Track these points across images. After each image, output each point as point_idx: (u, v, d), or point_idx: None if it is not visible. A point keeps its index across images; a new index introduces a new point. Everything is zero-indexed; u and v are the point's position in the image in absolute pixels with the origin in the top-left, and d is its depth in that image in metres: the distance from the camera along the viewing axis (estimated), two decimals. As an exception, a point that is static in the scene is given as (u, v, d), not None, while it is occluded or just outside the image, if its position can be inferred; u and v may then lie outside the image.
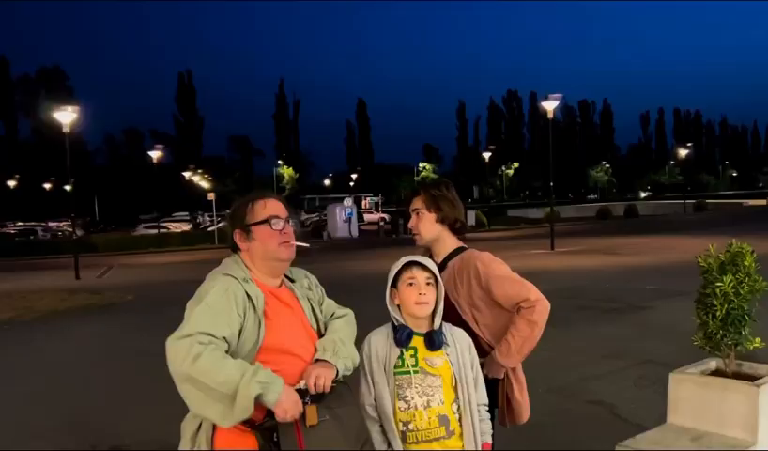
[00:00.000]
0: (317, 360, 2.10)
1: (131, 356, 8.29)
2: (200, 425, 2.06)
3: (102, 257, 28.29)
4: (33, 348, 9.35)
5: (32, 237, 40.45)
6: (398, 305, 2.31)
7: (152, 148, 42.99)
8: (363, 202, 62.95)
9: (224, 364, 1.90)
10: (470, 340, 2.39)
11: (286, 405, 1.92)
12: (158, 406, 5.85)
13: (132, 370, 7.50)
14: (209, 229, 37.63)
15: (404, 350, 2.26)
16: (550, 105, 22.88)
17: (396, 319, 2.31)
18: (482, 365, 2.49)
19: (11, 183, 61.88)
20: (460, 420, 2.27)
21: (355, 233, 36.96)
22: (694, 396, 3.33)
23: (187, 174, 62.58)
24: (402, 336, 2.26)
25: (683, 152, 65.14)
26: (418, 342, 2.27)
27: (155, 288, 16.09)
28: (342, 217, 37.33)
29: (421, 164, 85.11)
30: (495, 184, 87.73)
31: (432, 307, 2.28)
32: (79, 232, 36.94)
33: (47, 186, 63.60)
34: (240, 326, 2.02)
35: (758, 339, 3.29)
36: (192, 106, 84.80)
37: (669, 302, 10.25)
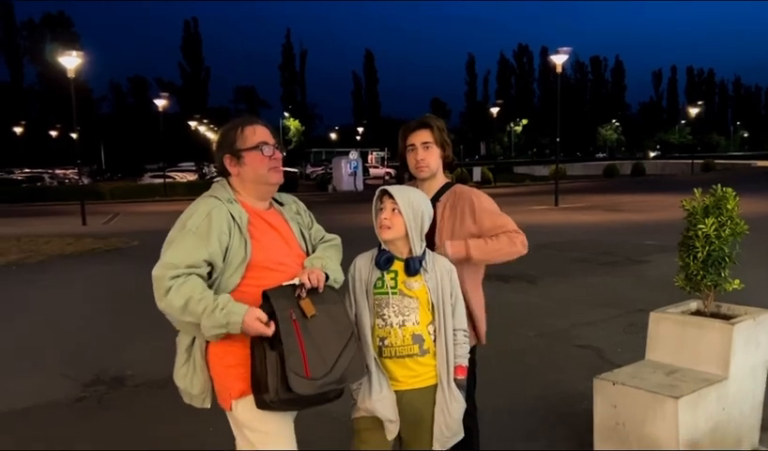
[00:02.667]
0: None
1: (134, 297, 8.45)
2: (194, 339, 2.20)
3: (109, 205, 28.48)
4: (38, 287, 9.55)
5: (39, 184, 40.64)
6: None
7: (158, 97, 42.71)
8: (370, 156, 62.65)
9: (188, 299, 2.03)
10: (453, 269, 2.49)
11: (251, 328, 2.04)
12: (159, 340, 6.04)
13: (134, 309, 7.68)
14: (216, 180, 37.64)
15: (385, 273, 2.39)
16: (559, 59, 22.57)
17: (382, 244, 2.44)
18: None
19: (17, 130, 61.80)
20: (435, 341, 2.40)
21: (360, 187, 36.93)
22: (672, 334, 3.44)
23: (193, 124, 62.35)
24: (380, 260, 2.39)
25: (693, 111, 64.29)
26: (399, 266, 2.40)
27: (160, 235, 16.03)
28: (347, 171, 37.26)
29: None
30: (502, 141, 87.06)
31: (396, 233, 2.38)
32: (85, 180, 37.19)
33: (53, 133, 63.57)
34: (227, 244, 2.13)
35: (737, 281, 3.38)
36: (198, 55, 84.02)
37: (667, 256, 10.26)
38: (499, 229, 2.74)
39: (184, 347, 2.23)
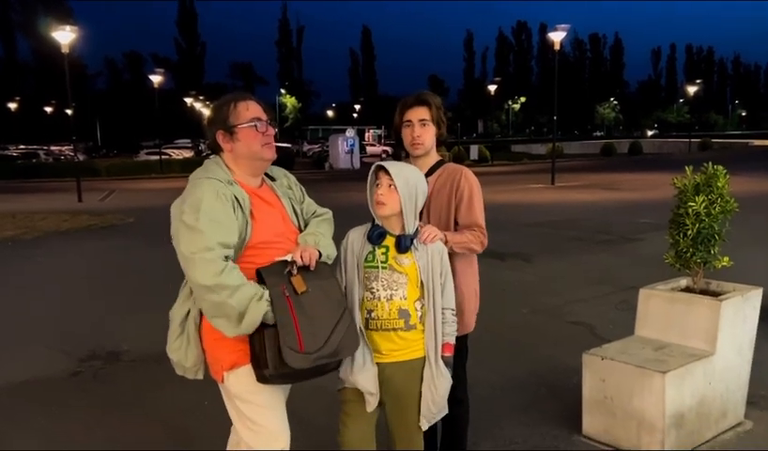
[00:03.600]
0: None
1: (129, 273, 8.51)
2: (188, 311, 2.22)
3: (104, 182, 28.40)
4: (34, 263, 9.57)
5: (34, 160, 40.43)
6: None
7: (153, 73, 42.37)
8: (367, 134, 62.39)
9: (240, 284, 2.05)
10: (444, 249, 2.52)
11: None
12: (154, 315, 6.06)
13: (130, 285, 7.72)
14: (212, 157, 37.48)
15: (377, 248, 2.43)
16: (558, 36, 22.40)
17: (376, 220, 2.48)
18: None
19: (12, 106, 61.32)
20: (423, 318, 2.44)
21: (357, 165, 36.80)
22: (661, 310, 3.48)
23: (188, 100, 61.92)
24: (373, 234, 2.43)
25: (692, 90, 64.05)
26: (390, 242, 2.43)
27: (156, 212, 16.14)
28: (344, 148, 37.10)
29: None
30: (500, 119, 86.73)
31: (391, 210, 2.41)
32: (81, 156, 36.98)
33: (48, 109, 63.08)
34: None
35: (726, 258, 3.41)
36: (194, 31, 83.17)
37: (662, 234, 10.16)
38: (468, 220, 2.77)
39: (178, 320, 2.25)
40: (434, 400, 2.42)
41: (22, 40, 70.79)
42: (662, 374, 2.99)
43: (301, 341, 2.06)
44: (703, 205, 3.28)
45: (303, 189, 2.52)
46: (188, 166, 35.07)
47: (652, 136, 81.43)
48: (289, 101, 79.04)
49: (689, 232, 3.34)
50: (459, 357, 2.73)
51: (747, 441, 3.36)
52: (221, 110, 2.28)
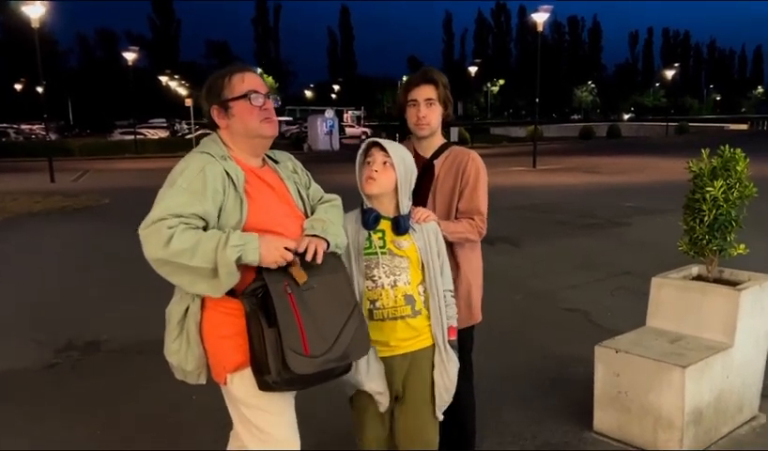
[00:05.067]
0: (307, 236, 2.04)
1: (107, 257, 8.18)
2: (187, 308, 2.00)
3: (78, 162, 27.67)
4: (5, 246, 9.19)
5: (4, 139, 39.30)
6: None
7: (127, 51, 41.33)
8: (345, 115, 61.83)
9: (196, 241, 1.83)
10: (438, 229, 2.40)
11: (270, 257, 1.87)
12: (134, 303, 5.83)
13: (107, 271, 7.41)
14: (188, 137, 36.84)
15: (372, 233, 2.28)
16: (540, 17, 22.26)
17: (365, 203, 2.31)
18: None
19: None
20: (427, 302, 2.29)
21: (336, 146, 36.45)
22: (674, 299, 3.33)
23: (163, 79, 60.67)
24: (369, 219, 2.26)
25: (669, 74, 64.46)
26: (386, 226, 2.28)
27: (131, 193, 15.78)
28: (323, 129, 36.68)
29: (404, 78, 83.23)
30: (479, 101, 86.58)
31: (381, 187, 2.25)
32: (53, 136, 36.01)
33: (17, 87, 61.37)
34: (221, 204, 1.93)
35: (742, 246, 3.27)
36: (169, 8, 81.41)
37: (648, 218, 10.33)
38: (470, 206, 2.62)
39: (176, 319, 2.01)
40: (446, 388, 2.30)
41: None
42: (682, 368, 2.84)
43: (306, 344, 1.85)
44: (721, 190, 3.13)
45: (309, 174, 2.31)
46: (164, 146, 34.53)
47: (629, 120, 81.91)
48: (266, 81, 77.94)
49: (706, 218, 3.18)
50: (465, 349, 2.60)
51: (764, 435, 3.24)
52: (215, 83, 2.06)
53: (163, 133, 44.51)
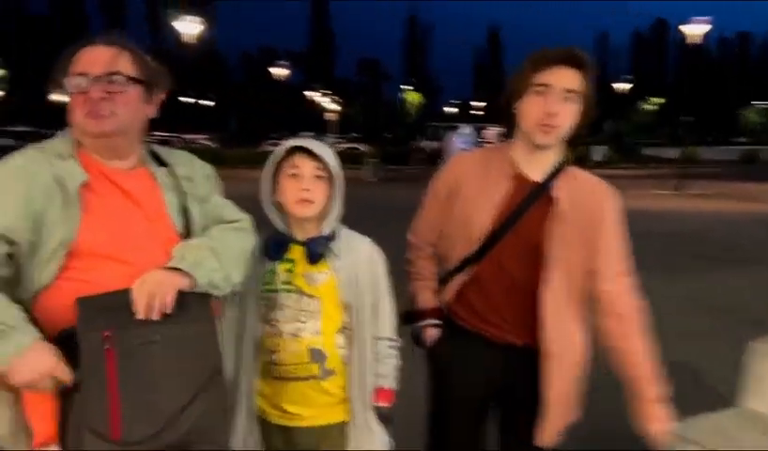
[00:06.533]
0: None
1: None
2: None
3: (226, 169, 29.53)
4: None
5: (166, 146, 43.22)
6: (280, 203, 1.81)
7: (277, 67, 43.82)
8: (485, 131, 61.05)
9: None
10: (378, 254, 1.81)
11: (21, 375, 1.35)
12: None
13: None
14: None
15: (277, 264, 1.76)
16: (695, 29, 20.43)
17: (274, 222, 1.80)
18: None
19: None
20: (348, 357, 1.76)
21: (472, 162, 36.07)
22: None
23: (313, 94, 63.72)
24: (271, 246, 1.75)
25: None
26: (298, 253, 1.76)
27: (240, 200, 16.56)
28: (458, 145, 36.41)
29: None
30: (631, 119, 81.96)
31: (319, 208, 1.75)
32: (214, 145, 38.74)
33: (183, 99, 67.36)
34: (39, 215, 1.46)
35: None
36: (326, 25, 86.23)
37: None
38: (606, 272, 1.89)
39: None
40: None
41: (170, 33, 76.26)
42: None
43: (117, 424, 1.35)
44: None
45: (216, 184, 1.77)
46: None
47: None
48: (412, 97, 79.26)
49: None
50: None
51: None
52: (61, 61, 1.57)
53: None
